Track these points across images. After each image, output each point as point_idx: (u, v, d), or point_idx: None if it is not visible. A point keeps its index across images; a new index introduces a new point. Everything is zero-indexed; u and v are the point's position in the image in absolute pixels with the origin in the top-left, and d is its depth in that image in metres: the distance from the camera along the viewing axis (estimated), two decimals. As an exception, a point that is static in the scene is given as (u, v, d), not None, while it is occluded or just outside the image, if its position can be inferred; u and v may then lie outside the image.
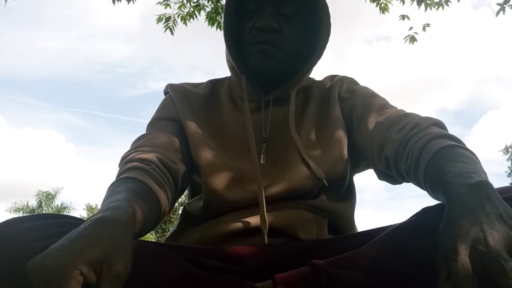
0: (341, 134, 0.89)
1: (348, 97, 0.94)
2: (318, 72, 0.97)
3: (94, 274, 0.49)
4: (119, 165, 0.80)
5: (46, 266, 0.48)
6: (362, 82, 1.00)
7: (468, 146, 0.70)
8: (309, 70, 0.92)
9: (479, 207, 0.53)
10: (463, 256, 0.49)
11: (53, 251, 0.49)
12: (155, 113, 0.96)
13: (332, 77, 1.00)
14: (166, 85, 1.01)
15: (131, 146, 0.85)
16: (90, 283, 0.49)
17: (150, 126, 0.92)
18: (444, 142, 0.69)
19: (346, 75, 1.02)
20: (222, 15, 0.93)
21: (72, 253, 0.49)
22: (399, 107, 0.90)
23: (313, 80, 1.01)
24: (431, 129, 0.74)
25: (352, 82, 0.98)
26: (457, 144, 0.69)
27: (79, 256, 0.49)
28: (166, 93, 1.01)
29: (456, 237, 0.51)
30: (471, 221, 0.52)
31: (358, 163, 0.93)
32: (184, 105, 0.94)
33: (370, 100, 0.91)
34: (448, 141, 0.69)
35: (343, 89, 0.96)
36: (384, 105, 0.89)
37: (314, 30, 0.93)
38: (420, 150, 0.70)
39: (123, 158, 0.80)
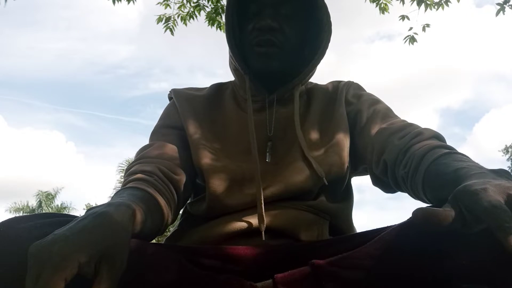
0: (344, 136, 0.90)
1: (354, 102, 0.95)
2: (320, 71, 0.98)
3: (93, 267, 0.50)
4: (124, 177, 0.81)
5: (51, 252, 0.48)
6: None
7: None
8: (312, 69, 0.93)
9: (503, 181, 0.52)
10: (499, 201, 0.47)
11: (59, 239, 0.50)
12: (158, 121, 0.97)
13: (338, 82, 1.02)
14: (170, 90, 1.02)
15: (135, 157, 0.87)
16: (86, 275, 0.49)
17: (153, 135, 0.93)
18: (445, 150, 0.70)
19: (350, 80, 1.04)
20: (224, 18, 0.94)
21: (77, 244, 0.50)
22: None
23: (316, 84, 1.03)
24: (432, 140, 0.75)
25: (358, 87, 1.00)
26: (459, 152, 0.70)
27: (83, 248, 0.49)
28: (170, 98, 1.02)
29: (484, 184, 0.50)
30: (497, 180, 0.51)
31: (357, 167, 0.95)
32: (187, 109, 0.95)
33: (375, 107, 0.92)
34: (449, 150, 0.70)
35: (350, 94, 0.97)
36: (388, 113, 0.91)
37: (315, 32, 0.94)
38: (420, 157, 0.71)
39: (127, 170, 0.82)
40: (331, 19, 0.92)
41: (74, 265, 0.48)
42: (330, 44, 0.93)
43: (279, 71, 0.90)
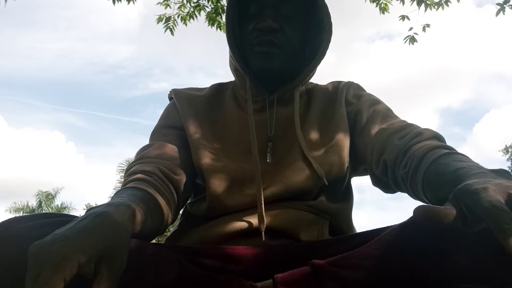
0: (344, 136, 0.90)
1: (354, 102, 0.95)
2: (320, 71, 0.98)
3: (93, 267, 0.50)
4: (124, 177, 0.81)
5: (50, 252, 0.48)
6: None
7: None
8: (313, 70, 0.93)
9: (503, 180, 0.52)
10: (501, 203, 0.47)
11: (58, 239, 0.50)
12: (158, 121, 0.97)
13: (338, 82, 1.03)
14: (170, 90, 1.02)
15: (135, 157, 0.87)
16: (86, 275, 0.49)
17: (153, 135, 0.93)
18: (446, 151, 0.70)
19: (350, 80, 1.04)
20: (224, 19, 0.94)
21: (77, 244, 0.49)
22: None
23: (316, 84, 1.03)
24: (432, 141, 0.76)
25: (358, 88, 1.00)
26: (459, 153, 0.70)
27: (82, 248, 0.49)
28: (170, 98, 1.02)
29: (485, 183, 0.50)
30: (498, 179, 0.51)
31: (356, 167, 0.95)
32: (187, 110, 0.95)
33: (376, 107, 0.92)
34: (449, 150, 0.70)
35: (350, 94, 0.97)
36: (388, 114, 0.91)
37: (315, 32, 0.94)
38: (420, 157, 0.71)
39: (127, 170, 0.82)
40: (332, 20, 0.92)
41: (73, 265, 0.48)
42: (330, 44, 0.93)
43: (279, 71, 0.90)
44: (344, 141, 0.90)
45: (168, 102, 1.03)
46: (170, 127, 0.94)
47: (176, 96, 0.99)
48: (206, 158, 0.87)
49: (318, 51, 0.92)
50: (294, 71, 0.93)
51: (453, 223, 0.49)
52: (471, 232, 0.51)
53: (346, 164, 0.89)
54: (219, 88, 1.02)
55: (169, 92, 1.02)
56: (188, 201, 0.95)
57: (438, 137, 0.78)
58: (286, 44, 0.89)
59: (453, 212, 0.50)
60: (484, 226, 0.49)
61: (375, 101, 0.95)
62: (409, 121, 0.88)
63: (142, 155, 0.85)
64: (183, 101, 0.97)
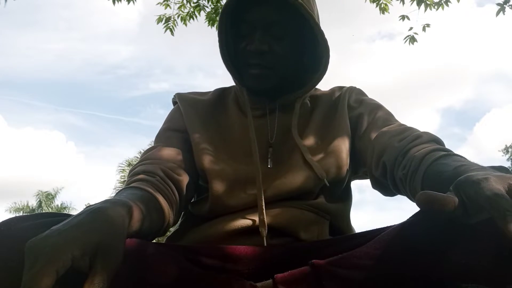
0: (345, 140, 0.92)
1: (356, 106, 0.97)
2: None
3: (88, 260, 0.50)
4: (127, 178, 0.82)
5: (45, 244, 0.48)
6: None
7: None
8: (314, 85, 0.95)
9: (503, 173, 0.53)
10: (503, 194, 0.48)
11: (53, 233, 0.50)
12: (163, 124, 0.99)
13: (340, 88, 1.04)
14: (174, 94, 1.04)
15: (139, 159, 0.88)
16: (81, 269, 0.49)
17: (158, 138, 0.95)
18: (444, 153, 0.71)
19: (351, 82, 1.05)
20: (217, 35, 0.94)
21: (71, 237, 0.50)
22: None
23: (319, 89, 1.04)
24: (431, 143, 0.77)
25: (360, 93, 1.02)
26: (458, 154, 0.71)
27: (76, 242, 0.49)
28: (174, 102, 1.03)
29: (486, 175, 0.50)
30: (497, 172, 0.52)
31: (356, 170, 0.97)
32: (191, 113, 0.96)
33: (377, 112, 0.94)
34: (447, 152, 0.71)
35: (352, 99, 0.99)
36: (389, 118, 0.93)
37: (313, 42, 0.94)
38: (420, 158, 0.72)
39: (131, 171, 0.83)
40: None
41: (67, 258, 0.48)
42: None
43: (273, 88, 0.91)
44: (344, 144, 0.91)
45: (171, 105, 1.05)
46: (174, 130, 0.95)
47: (180, 100, 1.00)
48: (209, 160, 0.88)
49: (319, 65, 0.92)
50: (293, 78, 0.94)
51: (454, 211, 0.50)
52: (471, 222, 0.52)
53: (345, 167, 0.90)
54: (222, 93, 1.04)
55: (173, 97, 1.04)
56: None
57: (437, 140, 0.79)
58: (276, 64, 0.89)
59: (455, 200, 0.50)
60: (484, 217, 0.50)
61: (377, 106, 0.96)
62: (410, 123, 0.89)
63: (146, 157, 0.87)
64: (187, 105, 0.98)
